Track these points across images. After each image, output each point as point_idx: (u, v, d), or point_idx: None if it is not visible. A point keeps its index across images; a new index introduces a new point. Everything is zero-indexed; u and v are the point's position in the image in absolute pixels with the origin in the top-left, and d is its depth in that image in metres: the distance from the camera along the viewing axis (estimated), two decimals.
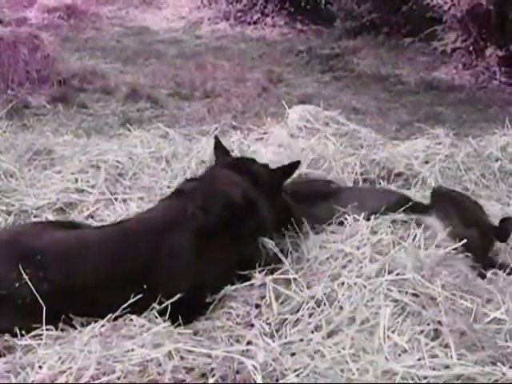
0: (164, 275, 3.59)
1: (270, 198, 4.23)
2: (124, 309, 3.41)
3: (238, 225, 3.92)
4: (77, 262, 3.52)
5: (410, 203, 4.69)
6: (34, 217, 4.95)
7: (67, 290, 3.41)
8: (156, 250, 3.64)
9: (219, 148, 4.61)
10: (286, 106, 7.31)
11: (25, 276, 3.35)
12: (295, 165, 4.46)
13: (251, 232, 4.00)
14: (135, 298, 3.40)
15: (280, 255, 4.01)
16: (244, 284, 3.83)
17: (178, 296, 3.47)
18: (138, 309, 3.44)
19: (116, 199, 5.23)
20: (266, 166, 4.49)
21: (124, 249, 3.64)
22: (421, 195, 5.36)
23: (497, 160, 5.97)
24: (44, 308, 3.27)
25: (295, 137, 6.30)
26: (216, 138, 4.73)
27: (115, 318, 3.40)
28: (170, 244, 3.68)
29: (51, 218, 4.94)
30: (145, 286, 3.47)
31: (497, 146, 6.19)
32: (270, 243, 4.02)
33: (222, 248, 3.81)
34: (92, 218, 5.06)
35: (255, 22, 15.63)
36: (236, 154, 4.91)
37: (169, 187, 5.39)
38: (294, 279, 3.83)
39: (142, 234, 3.73)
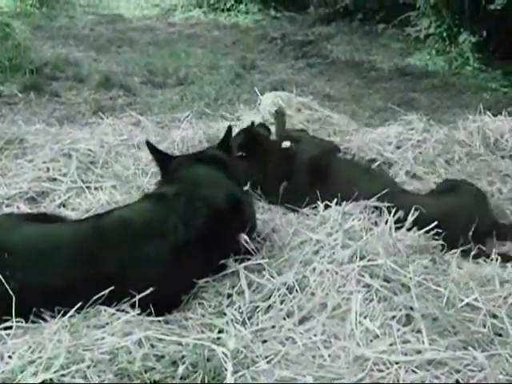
0: (135, 285, 3.47)
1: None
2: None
3: (221, 234, 3.87)
4: (46, 262, 3.43)
5: None
6: (6, 206, 4.92)
7: (35, 291, 3.34)
8: (130, 258, 3.55)
9: (156, 152, 4.34)
10: (259, 93, 7.30)
11: None
12: (227, 132, 4.46)
13: (234, 235, 3.97)
14: (103, 292, 3.37)
15: (251, 247, 3.97)
16: (216, 276, 3.82)
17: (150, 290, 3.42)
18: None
19: (88, 187, 5.20)
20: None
21: (97, 252, 3.53)
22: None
23: (469, 145, 5.99)
24: (13, 304, 3.21)
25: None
26: (148, 142, 4.35)
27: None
28: (146, 255, 3.58)
29: (23, 207, 4.90)
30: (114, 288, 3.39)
31: (468, 131, 6.24)
32: (242, 238, 3.97)
33: (200, 260, 3.78)
34: (64, 206, 5.03)
35: (229, 9, 15.59)
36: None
37: (143, 173, 5.38)
38: (266, 267, 3.83)
39: (118, 238, 3.63)
